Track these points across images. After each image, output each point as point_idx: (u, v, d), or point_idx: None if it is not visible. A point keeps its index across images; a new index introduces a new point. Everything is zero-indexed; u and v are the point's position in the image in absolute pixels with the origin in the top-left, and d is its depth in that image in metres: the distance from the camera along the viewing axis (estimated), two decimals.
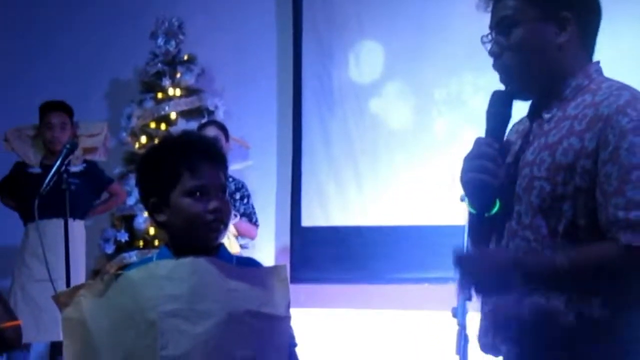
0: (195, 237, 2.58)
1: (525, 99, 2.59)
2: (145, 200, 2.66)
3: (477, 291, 2.40)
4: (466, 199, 2.57)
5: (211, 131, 5.89)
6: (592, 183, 2.35)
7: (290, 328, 2.59)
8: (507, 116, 2.54)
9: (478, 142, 2.50)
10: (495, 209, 2.51)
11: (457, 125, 6.36)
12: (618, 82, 2.48)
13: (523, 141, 2.56)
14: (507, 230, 2.50)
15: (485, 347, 2.60)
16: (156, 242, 6.35)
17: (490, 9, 2.58)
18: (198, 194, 2.54)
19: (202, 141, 2.68)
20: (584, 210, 2.36)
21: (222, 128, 6.10)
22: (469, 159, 2.48)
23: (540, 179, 2.41)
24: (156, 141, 6.50)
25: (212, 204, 2.54)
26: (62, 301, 2.58)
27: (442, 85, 6.47)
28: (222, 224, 2.58)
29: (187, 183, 2.54)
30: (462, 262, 2.40)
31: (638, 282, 2.35)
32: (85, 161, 6.27)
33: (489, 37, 2.57)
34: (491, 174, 2.44)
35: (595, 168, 2.34)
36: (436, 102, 6.52)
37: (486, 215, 2.53)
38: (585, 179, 2.35)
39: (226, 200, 2.60)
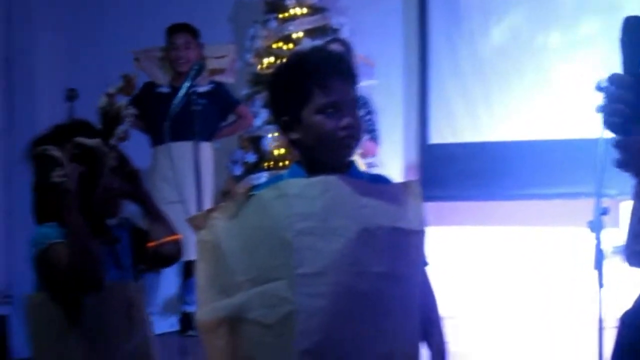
0: (328, 154, 2.58)
1: None
2: (276, 119, 2.66)
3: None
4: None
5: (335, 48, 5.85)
6: None
7: (424, 244, 2.57)
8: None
9: (611, 80, 2.37)
10: None
11: (586, 38, 6.20)
12: None
13: None
14: None
15: (633, 257, 2.50)
16: (284, 163, 6.37)
17: None
18: (330, 110, 2.53)
19: (331, 57, 2.65)
20: None
21: (346, 45, 6.05)
22: (605, 102, 2.35)
23: None
24: (282, 61, 6.51)
25: (345, 120, 2.53)
26: (196, 224, 2.61)
27: None
28: (354, 140, 2.57)
29: (318, 100, 2.53)
30: (622, 145, 2.26)
31: None
32: (212, 82, 6.30)
33: None
34: (626, 118, 2.30)
35: None
36: (563, 16, 6.36)
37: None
38: None
39: (358, 115, 2.58)
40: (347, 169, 2.62)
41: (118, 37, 7.27)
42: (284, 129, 2.63)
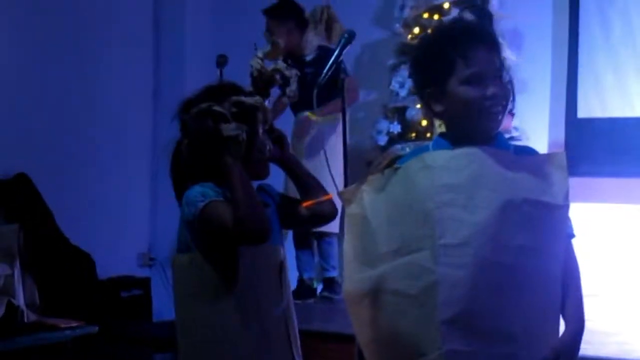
0: (474, 125, 2.56)
1: None
2: (420, 90, 2.66)
3: None
4: None
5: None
6: None
7: (568, 218, 2.53)
8: None
9: None
10: None
11: None
12: None
13: None
14: None
15: None
16: (429, 134, 6.34)
17: None
18: (474, 80, 2.51)
19: (473, 27, 2.66)
20: None
21: (487, 15, 6.00)
22: None
23: None
24: (426, 32, 6.47)
25: (490, 90, 2.52)
26: (347, 197, 2.65)
27: None
28: (500, 109, 2.55)
29: (462, 71, 2.52)
30: None
31: None
32: (319, 47, 6.20)
33: None
34: None
35: None
36: None
37: None
38: None
39: (504, 84, 2.55)
40: (493, 140, 2.60)
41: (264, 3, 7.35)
42: (428, 100, 2.63)
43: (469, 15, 5.80)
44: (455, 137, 2.60)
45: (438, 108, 2.61)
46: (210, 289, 2.74)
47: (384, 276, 2.49)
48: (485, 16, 5.95)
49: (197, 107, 2.72)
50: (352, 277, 2.62)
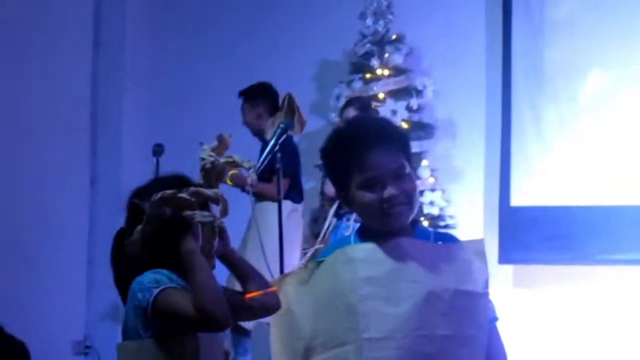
0: (378, 225, 2.61)
1: None
2: (337, 194, 2.73)
3: None
4: None
5: (350, 112, 5.94)
6: None
7: (489, 303, 2.57)
8: None
9: None
10: None
11: None
12: None
13: None
14: None
15: None
16: None
17: None
18: (371, 184, 2.57)
19: (369, 129, 2.67)
20: None
21: (365, 107, 6.11)
22: None
23: None
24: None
25: (387, 192, 2.55)
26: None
27: None
28: (401, 207, 2.58)
29: (357, 177, 2.58)
30: None
31: None
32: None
33: None
34: None
35: None
36: None
37: None
38: None
39: (406, 182, 2.59)
40: (411, 229, 2.64)
41: (203, 98, 7.43)
42: (343, 202, 2.70)
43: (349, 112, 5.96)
44: (371, 233, 2.63)
45: (349, 207, 2.68)
46: None
47: None
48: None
49: (161, 193, 2.72)
50: None
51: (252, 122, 6.33)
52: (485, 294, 2.54)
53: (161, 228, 2.71)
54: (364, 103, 6.22)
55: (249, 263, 3.02)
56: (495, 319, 2.62)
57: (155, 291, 2.63)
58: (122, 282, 2.79)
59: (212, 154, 3.02)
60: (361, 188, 2.56)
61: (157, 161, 6.56)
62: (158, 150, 6.59)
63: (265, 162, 5.18)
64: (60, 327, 7.28)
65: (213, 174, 3.04)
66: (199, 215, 2.69)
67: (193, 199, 2.71)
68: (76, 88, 7.60)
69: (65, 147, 7.41)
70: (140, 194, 2.81)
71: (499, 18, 6.81)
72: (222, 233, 2.93)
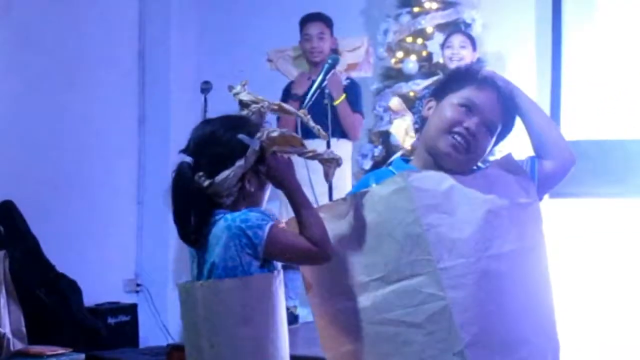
0: (435, 142, 2.67)
1: None
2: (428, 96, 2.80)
3: None
4: None
5: (458, 38, 6.06)
6: None
7: (539, 210, 2.60)
8: None
9: None
10: None
11: None
12: None
13: None
14: None
15: None
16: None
17: None
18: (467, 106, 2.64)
19: (502, 84, 2.74)
20: None
21: (471, 39, 6.10)
22: None
23: None
24: (412, 56, 6.52)
25: (470, 122, 2.67)
26: (293, 225, 2.64)
27: None
28: (464, 144, 2.65)
29: (465, 92, 2.66)
30: None
31: None
32: (348, 78, 6.19)
33: None
34: None
35: None
36: None
37: None
38: None
39: (483, 139, 2.69)
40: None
41: (249, 34, 7.38)
42: (423, 106, 2.79)
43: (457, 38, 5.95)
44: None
45: (423, 116, 2.71)
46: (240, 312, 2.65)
47: (373, 306, 2.45)
48: (471, 40, 6.03)
49: (275, 131, 2.74)
50: (325, 310, 2.59)
51: (324, 50, 6.09)
52: (536, 201, 2.57)
53: (264, 165, 2.73)
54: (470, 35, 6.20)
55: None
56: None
57: (267, 228, 2.64)
58: (184, 218, 2.77)
59: (256, 98, 2.95)
60: (456, 102, 2.61)
61: (205, 99, 6.55)
62: (206, 88, 6.58)
63: (314, 98, 5.12)
64: (112, 265, 7.35)
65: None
66: (327, 153, 2.76)
67: (301, 140, 2.75)
68: (123, 27, 7.60)
69: (113, 86, 7.42)
70: (236, 125, 2.81)
71: None
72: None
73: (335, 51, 6.09)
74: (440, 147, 2.59)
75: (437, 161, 2.61)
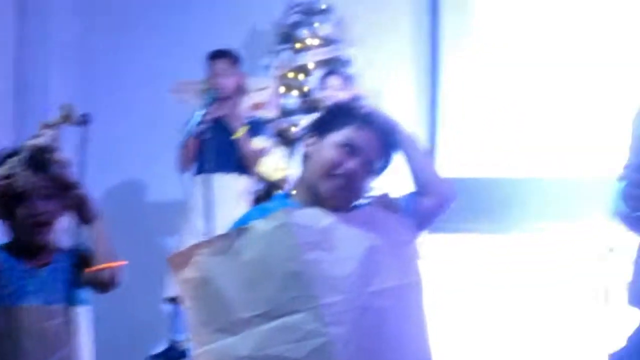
0: (314, 183, 2.71)
1: None
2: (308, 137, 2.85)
3: None
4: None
5: (333, 80, 6.03)
6: None
7: (416, 248, 2.65)
8: None
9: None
10: None
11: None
12: None
13: None
14: None
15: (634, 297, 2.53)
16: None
17: None
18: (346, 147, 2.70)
19: (378, 117, 2.82)
20: None
21: (345, 78, 6.15)
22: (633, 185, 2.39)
23: None
24: (293, 92, 6.58)
25: (350, 163, 2.74)
26: (177, 263, 2.60)
27: None
28: (343, 182, 2.72)
29: (344, 133, 2.73)
30: None
31: None
32: (251, 117, 6.20)
33: None
34: None
35: None
36: None
37: None
38: None
39: (364, 176, 2.76)
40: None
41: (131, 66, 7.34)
42: (305, 145, 2.81)
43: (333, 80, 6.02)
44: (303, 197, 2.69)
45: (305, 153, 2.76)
46: None
47: (255, 342, 2.45)
48: (348, 78, 6.12)
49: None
50: (208, 346, 2.55)
51: (228, 86, 6.08)
52: (415, 238, 2.63)
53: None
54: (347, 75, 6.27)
55: (102, 233, 3.06)
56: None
57: None
58: None
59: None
60: (338, 142, 2.66)
61: (84, 131, 6.45)
62: (83, 121, 6.48)
63: (199, 129, 5.14)
64: None
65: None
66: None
67: None
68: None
69: None
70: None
71: None
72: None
73: (241, 88, 6.10)
74: (322, 186, 2.63)
75: (318, 198, 2.64)
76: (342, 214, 2.57)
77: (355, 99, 5.40)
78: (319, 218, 2.52)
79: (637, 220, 2.47)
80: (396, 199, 2.68)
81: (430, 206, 2.71)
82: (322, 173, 2.64)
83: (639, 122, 2.57)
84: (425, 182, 2.72)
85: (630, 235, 2.57)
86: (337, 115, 2.75)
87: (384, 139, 2.70)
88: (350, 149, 2.64)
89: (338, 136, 2.67)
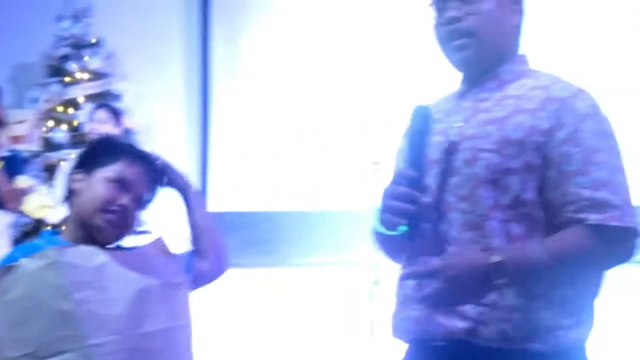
0: (90, 219, 2.66)
1: (468, 69, 2.58)
2: (72, 172, 2.77)
3: (451, 302, 2.40)
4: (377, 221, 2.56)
5: (101, 114, 5.95)
6: (544, 160, 2.38)
7: (188, 292, 2.66)
8: (426, 132, 2.52)
9: (398, 176, 2.49)
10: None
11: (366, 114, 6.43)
12: (548, 72, 2.55)
13: (450, 117, 2.54)
14: (442, 204, 2.45)
15: (395, 328, 2.61)
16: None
17: None
18: (118, 185, 2.66)
19: (149, 160, 2.78)
20: (530, 185, 2.38)
21: (114, 111, 6.13)
22: (388, 197, 2.46)
23: (489, 152, 2.40)
24: (62, 126, 6.48)
25: (124, 198, 2.67)
26: None
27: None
28: (119, 220, 2.68)
29: (115, 168, 2.69)
30: (433, 273, 2.37)
31: (606, 260, 2.40)
32: (11, 150, 6.04)
33: (443, 3, 2.57)
34: (408, 216, 2.42)
35: (548, 146, 2.38)
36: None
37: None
38: (536, 155, 2.37)
39: (137, 213, 2.73)
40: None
41: None
42: (73, 179, 2.75)
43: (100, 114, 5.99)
44: (72, 237, 2.67)
45: (77, 185, 2.70)
46: None
47: None
48: (117, 112, 6.09)
49: None
50: None
51: None
52: (183, 283, 2.62)
53: None
54: (115, 108, 6.19)
55: None
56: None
57: None
58: None
59: None
60: (108, 178, 2.64)
61: None
62: None
63: None
64: None
65: None
66: None
67: None
68: None
69: None
70: None
71: (197, 21, 6.89)
72: None
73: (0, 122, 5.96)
74: (95, 223, 2.61)
75: (89, 235, 2.62)
76: (115, 252, 2.55)
77: (127, 133, 5.40)
78: (90, 257, 2.49)
79: (388, 240, 2.58)
80: (168, 245, 2.68)
81: (205, 271, 2.77)
82: (95, 209, 2.62)
83: (400, 156, 2.67)
84: (204, 247, 2.77)
85: (389, 261, 2.68)
86: (104, 150, 2.73)
87: (152, 174, 2.72)
88: (121, 184, 2.64)
89: (108, 172, 2.65)
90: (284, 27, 6.72)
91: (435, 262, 2.34)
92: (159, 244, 2.65)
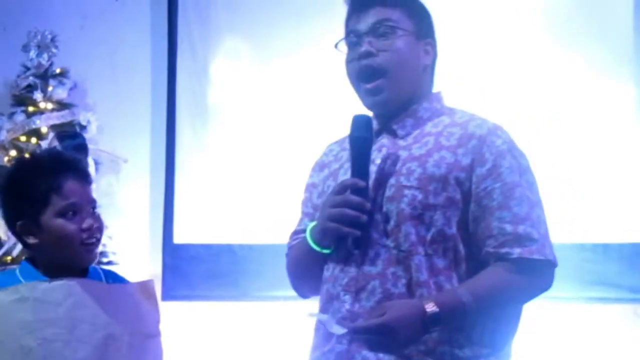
0: (70, 257, 2.57)
1: (383, 110, 2.62)
2: (11, 222, 2.64)
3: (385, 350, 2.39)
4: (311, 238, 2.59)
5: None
6: (465, 195, 2.42)
7: (160, 345, 2.60)
8: (371, 141, 2.55)
9: (342, 185, 2.51)
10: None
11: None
12: (463, 110, 2.60)
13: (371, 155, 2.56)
14: (366, 240, 2.50)
15: None
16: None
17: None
18: (70, 213, 2.54)
19: (65, 159, 2.68)
20: (453, 220, 2.42)
21: (76, 147, 6.09)
22: (331, 206, 2.48)
23: (411, 188, 2.45)
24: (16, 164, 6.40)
25: (87, 222, 2.55)
26: None
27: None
28: (96, 241, 2.59)
29: (57, 205, 2.54)
30: (370, 330, 2.39)
31: (529, 292, 2.43)
32: None
33: (357, 38, 2.60)
34: (353, 224, 2.45)
35: (469, 181, 2.42)
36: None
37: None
38: (457, 190, 2.42)
39: (98, 215, 2.61)
40: (86, 271, 2.65)
41: None
42: (21, 232, 2.62)
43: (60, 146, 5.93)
44: (48, 267, 2.60)
45: (32, 240, 2.61)
46: None
47: None
48: (82, 145, 6.03)
49: None
50: None
51: None
52: (158, 335, 2.57)
53: None
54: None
55: None
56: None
57: None
58: None
59: None
60: (60, 216, 2.56)
61: None
62: None
63: None
64: None
65: None
66: None
67: None
68: None
69: None
70: None
71: (164, 53, 6.87)
72: None
73: None
74: (77, 260, 2.59)
75: (66, 262, 2.59)
76: (95, 287, 2.50)
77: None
78: (64, 295, 2.45)
79: (306, 262, 2.79)
80: (155, 292, 2.63)
81: None
82: (72, 249, 2.60)
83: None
84: None
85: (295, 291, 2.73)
86: (30, 189, 2.61)
87: (82, 170, 2.69)
88: (75, 208, 2.61)
89: (54, 208, 2.60)
90: (252, 58, 6.70)
91: (372, 321, 2.38)
92: (147, 288, 2.60)
